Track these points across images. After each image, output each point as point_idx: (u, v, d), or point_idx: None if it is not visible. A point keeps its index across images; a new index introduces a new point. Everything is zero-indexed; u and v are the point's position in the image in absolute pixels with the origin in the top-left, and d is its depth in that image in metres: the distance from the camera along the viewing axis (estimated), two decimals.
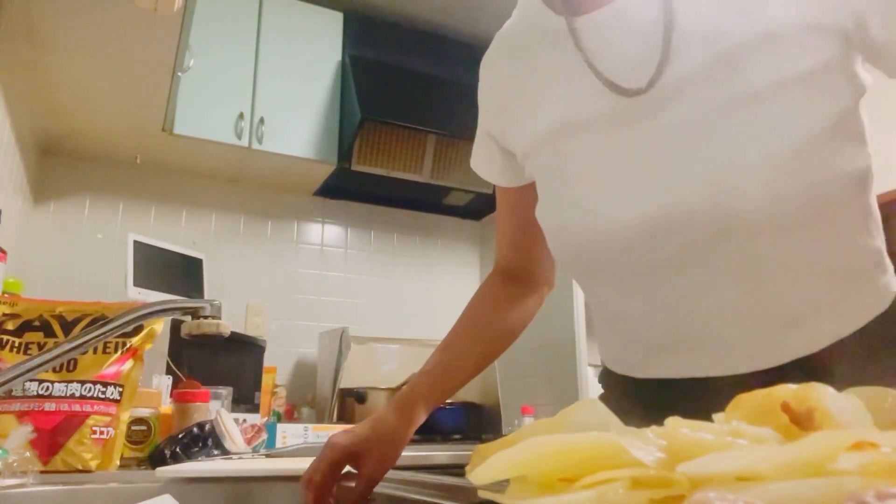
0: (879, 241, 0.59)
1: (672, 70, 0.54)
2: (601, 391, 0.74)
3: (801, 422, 0.28)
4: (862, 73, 0.54)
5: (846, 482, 0.21)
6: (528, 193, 0.73)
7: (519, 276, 0.79)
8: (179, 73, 1.91)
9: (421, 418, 0.70)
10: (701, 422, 0.29)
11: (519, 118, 0.67)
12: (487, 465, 0.30)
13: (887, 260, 0.60)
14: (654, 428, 0.30)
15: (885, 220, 0.61)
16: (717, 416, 0.30)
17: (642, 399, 0.64)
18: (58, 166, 2.47)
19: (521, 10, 0.70)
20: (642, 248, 0.57)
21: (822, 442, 0.23)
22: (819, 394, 0.28)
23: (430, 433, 2.12)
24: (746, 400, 0.30)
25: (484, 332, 0.76)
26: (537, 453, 0.29)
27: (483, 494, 0.30)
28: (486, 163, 0.76)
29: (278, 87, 2.54)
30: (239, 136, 2.42)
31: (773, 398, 0.29)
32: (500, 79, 0.70)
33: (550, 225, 0.65)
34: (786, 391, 0.29)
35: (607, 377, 0.72)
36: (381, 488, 0.68)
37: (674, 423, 0.29)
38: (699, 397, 0.52)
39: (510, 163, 0.73)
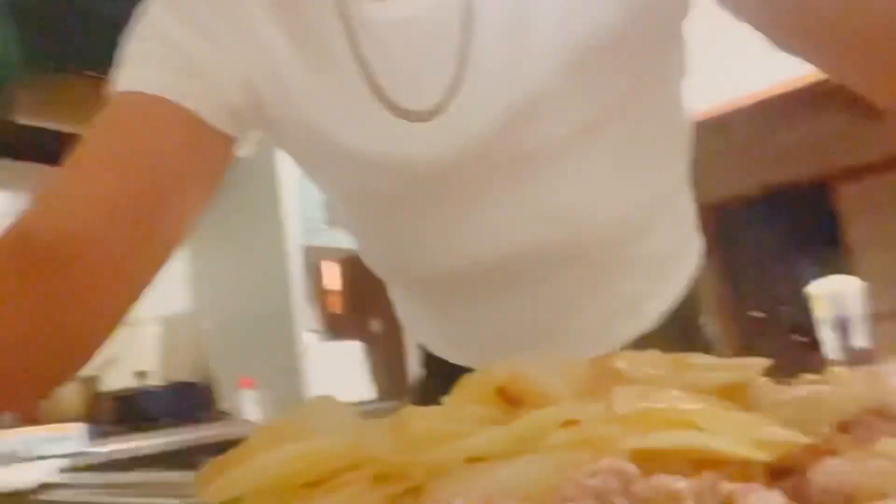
0: (689, 213, 0.69)
1: (463, 103, 0.51)
2: (422, 374, 0.77)
3: (514, 401, 0.31)
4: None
5: (561, 457, 0.24)
6: (222, 149, 0.53)
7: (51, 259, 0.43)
8: None
9: None
10: (433, 408, 0.31)
11: (290, 88, 0.54)
12: (225, 483, 0.29)
13: (693, 234, 0.70)
14: (387, 420, 0.31)
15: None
16: (444, 399, 0.32)
17: None
18: None
19: None
20: (489, 276, 0.59)
21: (533, 422, 0.26)
22: (526, 374, 0.31)
23: (133, 420, 1.94)
24: (468, 383, 0.33)
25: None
26: (276, 464, 0.28)
27: None
28: (193, 81, 0.50)
29: None
30: None
31: (490, 381, 0.32)
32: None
33: (369, 257, 0.64)
34: (500, 374, 0.32)
35: (435, 365, 0.74)
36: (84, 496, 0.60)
37: (407, 413, 0.30)
38: None
39: (244, 109, 0.53)
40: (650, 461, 0.23)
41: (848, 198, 2.65)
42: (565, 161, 0.54)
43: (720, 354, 0.46)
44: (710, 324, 0.73)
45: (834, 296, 1.95)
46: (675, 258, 0.68)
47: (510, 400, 0.31)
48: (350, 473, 0.28)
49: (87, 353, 0.44)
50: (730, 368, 0.32)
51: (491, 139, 0.52)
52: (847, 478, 0.21)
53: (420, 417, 0.29)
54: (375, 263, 0.66)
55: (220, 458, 0.32)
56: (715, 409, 0.26)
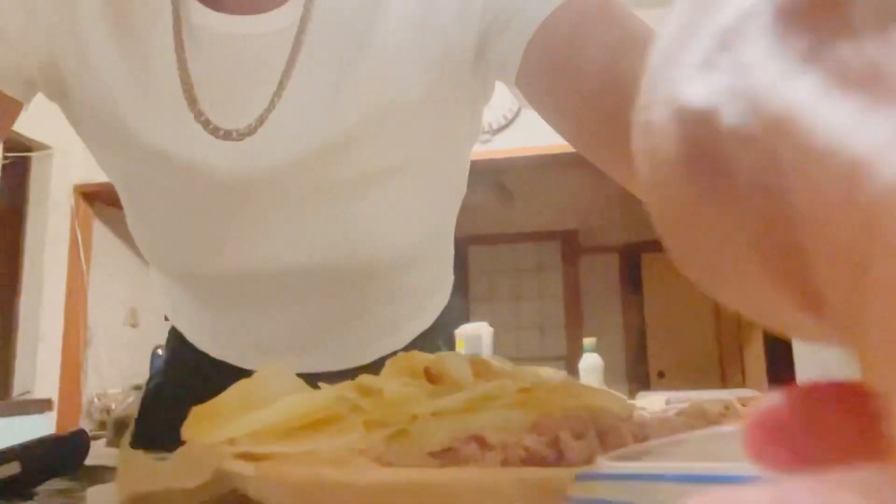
0: (449, 252, 0.77)
1: (270, 130, 0.53)
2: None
3: (434, 380, 0.40)
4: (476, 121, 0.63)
5: (519, 412, 0.35)
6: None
7: None
8: None
9: None
10: (381, 377, 0.38)
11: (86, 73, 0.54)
12: (239, 424, 0.32)
13: (450, 269, 0.79)
14: (345, 385, 0.38)
15: None
16: (383, 371, 0.40)
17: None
18: None
19: None
20: (268, 287, 0.61)
21: (499, 385, 0.36)
22: (444, 361, 0.41)
23: None
24: (396, 364, 0.40)
25: None
26: (287, 411, 0.33)
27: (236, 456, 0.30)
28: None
29: None
30: None
31: (416, 362, 0.40)
32: None
33: (149, 250, 0.61)
34: (425, 358, 0.40)
35: (184, 352, 0.72)
36: None
37: (368, 378, 0.37)
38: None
39: (41, 83, 0.56)
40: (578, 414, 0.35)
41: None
42: (363, 194, 0.58)
43: None
44: (446, 346, 0.86)
45: (469, 338, 2.37)
46: (433, 291, 0.78)
47: (431, 378, 0.40)
48: (349, 417, 0.34)
49: None
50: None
51: (294, 167, 0.54)
52: None
53: (388, 382, 0.36)
54: (155, 256, 0.65)
55: (201, 407, 0.35)
56: (589, 387, 0.40)
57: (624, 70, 0.44)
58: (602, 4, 0.50)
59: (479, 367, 0.42)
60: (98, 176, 3.30)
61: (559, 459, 0.29)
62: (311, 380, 0.71)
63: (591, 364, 2.10)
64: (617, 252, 5.22)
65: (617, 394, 0.40)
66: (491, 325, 1.50)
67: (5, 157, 2.56)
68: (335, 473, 0.26)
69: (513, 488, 0.23)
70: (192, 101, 0.53)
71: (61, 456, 0.49)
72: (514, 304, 4.88)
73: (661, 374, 5.10)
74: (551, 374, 0.45)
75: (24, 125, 2.95)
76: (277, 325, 0.66)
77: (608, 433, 0.30)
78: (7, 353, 3.02)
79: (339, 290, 0.64)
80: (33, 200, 3.14)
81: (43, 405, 2.72)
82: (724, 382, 4.95)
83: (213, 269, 0.62)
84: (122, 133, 0.54)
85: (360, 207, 0.58)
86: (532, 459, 0.28)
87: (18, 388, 3.00)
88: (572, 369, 2.20)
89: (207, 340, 0.74)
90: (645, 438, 0.30)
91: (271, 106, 0.52)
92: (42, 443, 0.48)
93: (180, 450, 0.33)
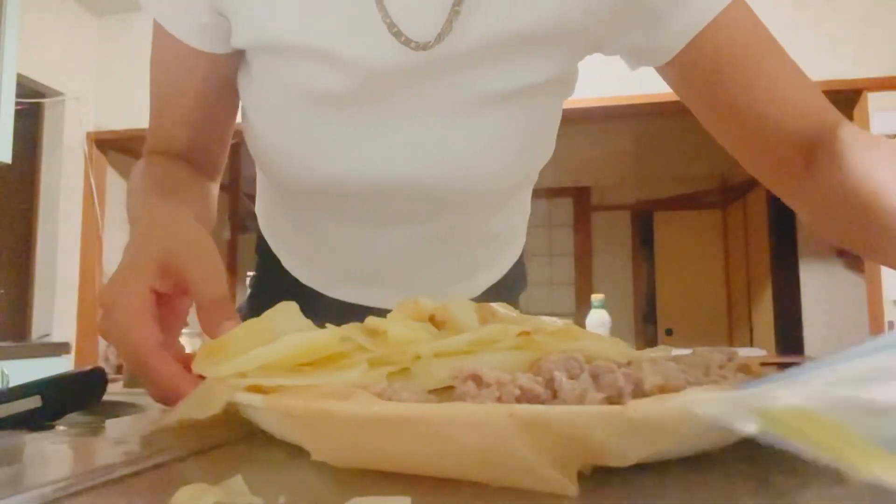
0: (527, 210, 0.77)
1: (458, 35, 0.53)
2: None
3: (439, 325, 0.41)
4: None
5: (518, 354, 0.36)
6: (229, 64, 0.61)
7: (198, 168, 0.66)
8: None
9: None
10: (401, 321, 0.39)
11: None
12: (244, 359, 0.33)
13: (525, 226, 0.80)
14: (351, 326, 0.39)
15: None
16: (390, 315, 0.40)
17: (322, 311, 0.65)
18: None
19: None
20: (369, 203, 0.62)
21: (500, 330, 0.37)
22: (449, 307, 0.41)
23: None
24: (404, 308, 0.41)
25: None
26: (290, 348, 0.34)
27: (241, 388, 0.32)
28: (181, 13, 0.58)
29: None
30: None
31: (422, 309, 0.41)
32: None
33: (268, 153, 0.62)
34: (429, 305, 0.41)
35: (275, 275, 0.76)
36: None
37: (374, 320, 0.38)
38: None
39: (219, 24, 0.58)
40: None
41: None
42: (481, 114, 0.57)
43: None
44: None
45: None
46: (509, 242, 0.78)
47: (436, 324, 0.41)
48: (355, 356, 0.35)
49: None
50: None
51: (441, 66, 0.54)
52: None
53: (393, 324, 0.38)
54: (276, 167, 0.64)
55: (212, 343, 0.36)
56: (588, 332, 0.41)
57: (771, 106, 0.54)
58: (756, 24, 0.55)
59: (485, 314, 0.43)
60: (111, 123, 3.31)
61: (553, 398, 0.30)
62: (379, 316, 0.74)
63: (597, 320, 2.12)
64: (629, 210, 5.20)
65: (615, 339, 0.41)
66: None
67: (18, 104, 2.56)
68: (338, 406, 0.27)
69: (504, 422, 0.24)
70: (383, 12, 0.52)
71: (80, 391, 0.51)
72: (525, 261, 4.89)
73: (668, 332, 5.13)
74: (554, 321, 0.46)
75: (36, 70, 2.95)
76: (366, 249, 0.69)
77: (601, 374, 0.30)
78: (26, 297, 3.09)
79: (430, 218, 0.65)
80: (47, 147, 3.15)
81: (61, 348, 2.78)
82: (731, 342, 4.97)
83: (327, 175, 0.61)
84: (288, 51, 0.55)
85: (473, 128, 0.58)
86: (526, 397, 0.29)
87: (37, 331, 3.07)
88: (579, 325, 2.22)
89: (300, 265, 0.76)
90: (638, 381, 0.31)
91: (453, 13, 0.52)
92: (62, 378, 0.50)
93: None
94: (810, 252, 3.52)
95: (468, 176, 0.60)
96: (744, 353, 4.05)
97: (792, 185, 0.57)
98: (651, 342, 4.96)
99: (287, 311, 0.39)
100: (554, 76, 0.58)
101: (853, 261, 3.40)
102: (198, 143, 0.65)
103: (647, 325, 5.21)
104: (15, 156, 2.46)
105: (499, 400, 0.29)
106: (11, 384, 0.49)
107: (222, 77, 0.62)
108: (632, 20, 0.55)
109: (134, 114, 3.24)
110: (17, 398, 0.47)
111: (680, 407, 0.24)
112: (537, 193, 0.76)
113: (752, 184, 4.28)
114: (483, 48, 0.54)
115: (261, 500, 0.24)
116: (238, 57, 0.61)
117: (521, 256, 0.83)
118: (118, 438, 0.40)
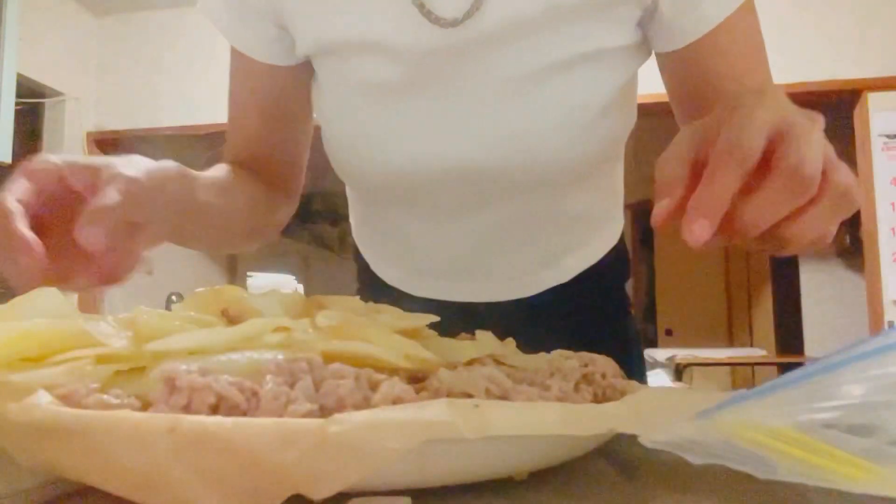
0: (619, 190, 0.73)
1: (492, 9, 0.52)
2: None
3: (234, 320, 0.35)
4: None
5: (270, 353, 0.30)
6: (297, 77, 0.64)
7: (264, 179, 0.66)
8: None
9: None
10: (161, 311, 0.34)
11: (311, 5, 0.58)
12: None
13: (619, 209, 0.75)
14: (116, 316, 0.34)
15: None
16: (175, 307, 0.36)
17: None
18: None
19: None
20: (438, 191, 0.60)
21: (253, 325, 0.32)
22: (246, 298, 0.37)
23: None
24: (197, 298, 0.37)
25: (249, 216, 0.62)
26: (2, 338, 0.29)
27: None
28: (249, 31, 0.61)
29: None
30: None
31: (218, 299, 0.37)
32: None
33: (339, 152, 0.61)
34: (226, 293, 0.37)
35: (372, 280, 0.74)
36: None
37: (137, 311, 0.33)
38: (460, 319, 0.50)
39: (283, 37, 0.61)
40: (342, 361, 0.29)
41: None
42: (545, 86, 0.56)
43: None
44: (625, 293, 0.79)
45: None
46: (599, 225, 0.73)
47: (231, 319, 0.35)
48: (75, 351, 0.29)
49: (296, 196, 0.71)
50: (406, 318, 0.40)
51: (494, 45, 0.54)
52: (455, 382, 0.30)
53: (149, 314, 0.32)
54: (349, 167, 0.64)
55: None
56: (383, 331, 0.34)
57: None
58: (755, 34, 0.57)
59: (312, 307, 0.39)
60: (111, 123, 3.31)
61: (254, 410, 0.25)
62: (470, 310, 0.70)
63: None
64: (629, 209, 5.17)
65: (398, 338, 0.34)
66: None
67: (18, 104, 2.56)
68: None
69: (162, 438, 0.21)
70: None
71: None
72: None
73: (668, 332, 5.13)
74: (362, 310, 0.41)
75: (36, 70, 2.95)
76: (443, 242, 0.66)
77: (326, 381, 0.27)
78: None
79: (502, 202, 0.62)
80: (47, 147, 3.15)
81: None
82: (731, 341, 4.98)
83: (393, 167, 0.60)
84: (338, 47, 0.58)
85: (526, 104, 0.57)
86: (226, 407, 0.25)
87: None
88: None
89: (386, 266, 0.74)
90: (376, 390, 0.27)
91: None
92: None
93: None
94: (810, 252, 3.52)
95: (530, 152, 0.58)
96: (744, 352, 4.04)
97: None
98: (651, 342, 4.95)
99: (49, 295, 0.33)
100: (605, 45, 0.56)
101: (853, 261, 3.40)
102: (262, 156, 0.66)
103: (646, 324, 5.21)
104: (15, 156, 2.46)
105: (186, 409, 0.25)
106: None
107: (288, 92, 0.65)
108: None
109: (134, 114, 3.24)
110: None
111: (389, 420, 0.22)
112: None
113: None
114: (514, 23, 0.53)
115: None
116: (305, 72, 0.64)
117: (622, 241, 0.77)
118: None
